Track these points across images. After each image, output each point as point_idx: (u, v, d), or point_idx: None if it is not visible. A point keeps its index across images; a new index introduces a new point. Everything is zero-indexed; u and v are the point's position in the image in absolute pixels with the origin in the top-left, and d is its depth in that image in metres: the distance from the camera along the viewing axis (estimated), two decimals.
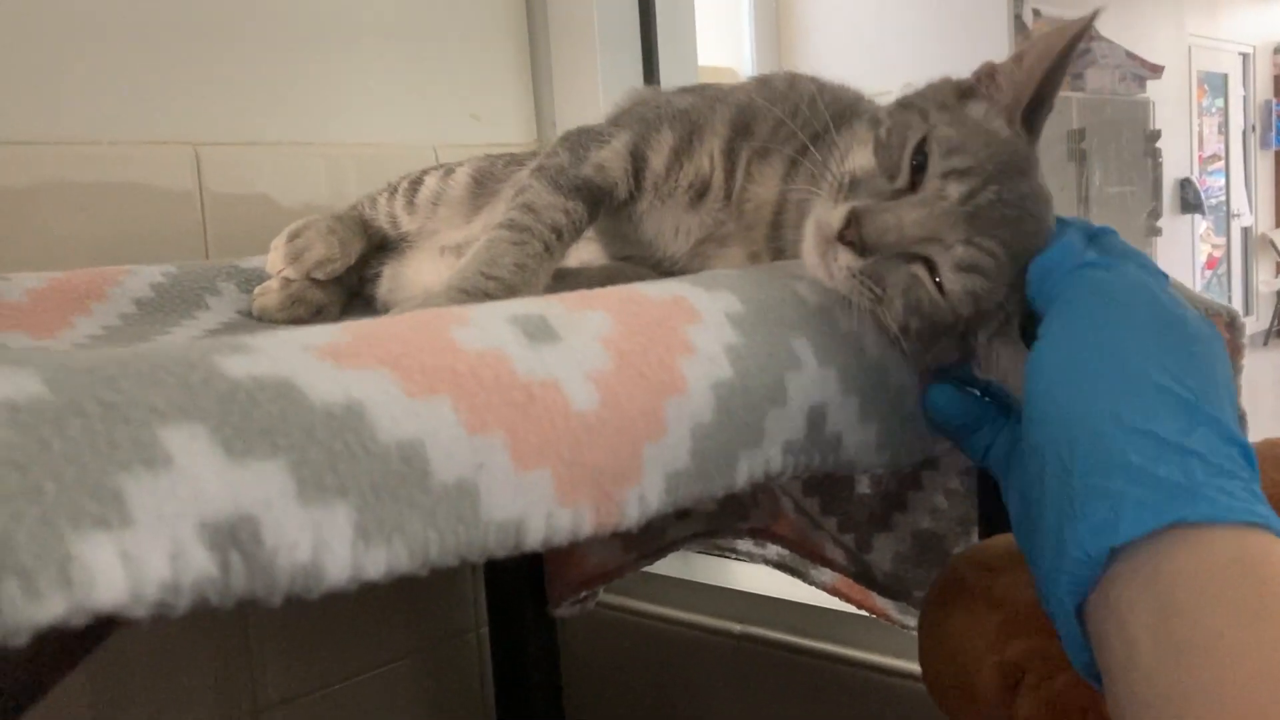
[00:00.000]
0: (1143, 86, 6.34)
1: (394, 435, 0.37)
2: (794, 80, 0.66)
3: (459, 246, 0.85)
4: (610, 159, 0.66)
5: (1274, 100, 7.76)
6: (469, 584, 1.29)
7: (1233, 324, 0.79)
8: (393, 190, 0.93)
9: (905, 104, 0.61)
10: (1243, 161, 7.62)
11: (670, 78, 1.33)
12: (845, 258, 0.55)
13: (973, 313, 0.56)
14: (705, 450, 0.48)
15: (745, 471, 0.50)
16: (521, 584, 1.18)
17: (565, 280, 0.65)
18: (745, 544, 1.18)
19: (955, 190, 0.54)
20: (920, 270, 0.55)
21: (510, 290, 0.61)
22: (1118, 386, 0.47)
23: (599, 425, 0.44)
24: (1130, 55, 6.21)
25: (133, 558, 0.28)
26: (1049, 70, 0.56)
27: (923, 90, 0.62)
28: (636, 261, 0.70)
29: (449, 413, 0.39)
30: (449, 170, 0.89)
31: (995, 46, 4.90)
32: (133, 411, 0.31)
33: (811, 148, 0.61)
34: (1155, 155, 6.32)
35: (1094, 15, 0.55)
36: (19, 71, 0.95)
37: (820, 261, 0.57)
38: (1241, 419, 0.84)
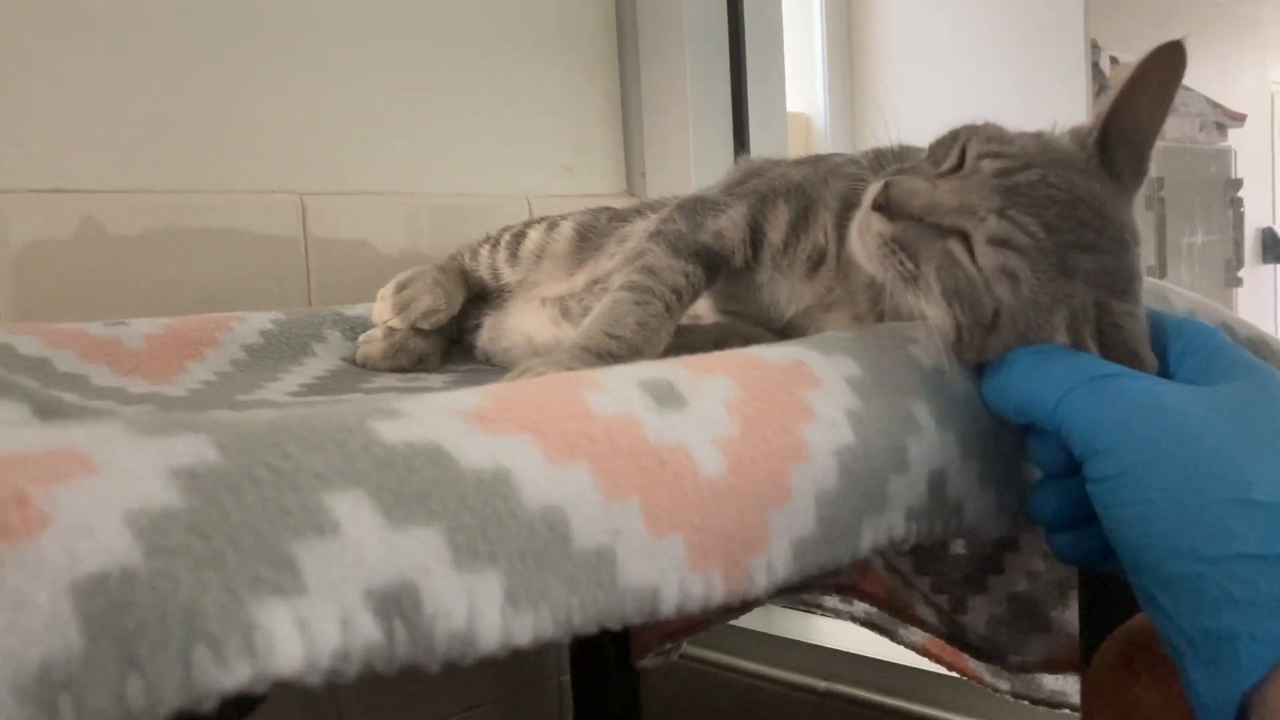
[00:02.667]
0: (1224, 135, 6.24)
1: (538, 501, 0.37)
2: (905, 150, 0.67)
3: (561, 298, 0.86)
4: (728, 227, 0.67)
5: None
6: None
7: None
8: (494, 242, 0.94)
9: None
10: None
11: (759, 130, 1.34)
12: (877, 223, 0.55)
13: (1012, 300, 0.53)
14: (830, 517, 0.48)
15: (870, 539, 0.50)
16: (605, 634, 1.18)
17: (680, 335, 0.66)
18: (832, 600, 1.17)
19: (990, 166, 0.54)
20: (956, 245, 0.54)
21: (633, 349, 0.61)
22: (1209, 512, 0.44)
23: (727, 491, 0.44)
24: (1211, 103, 6.13)
25: (308, 625, 0.29)
26: (1125, 93, 0.54)
27: None
28: (745, 319, 0.70)
29: (587, 479, 0.39)
30: (553, 224, 0.91)
31: (1071, 90, 4.86)
32: (300, 478, 0.32)
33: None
34: (1237, 204, 6.20)
35: (1181, 42, 0.53)
36: (136, 123, 0.98)
37: (859, 239, 0.57)
38: None
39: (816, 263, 0.66)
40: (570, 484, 0.38)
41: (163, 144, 1.01)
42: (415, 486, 0.34)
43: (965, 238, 0.54)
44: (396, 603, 0.32)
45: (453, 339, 0.97)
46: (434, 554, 0.33)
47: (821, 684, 1.19)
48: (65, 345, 0.78)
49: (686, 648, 1.24)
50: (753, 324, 0.70)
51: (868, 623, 1.14)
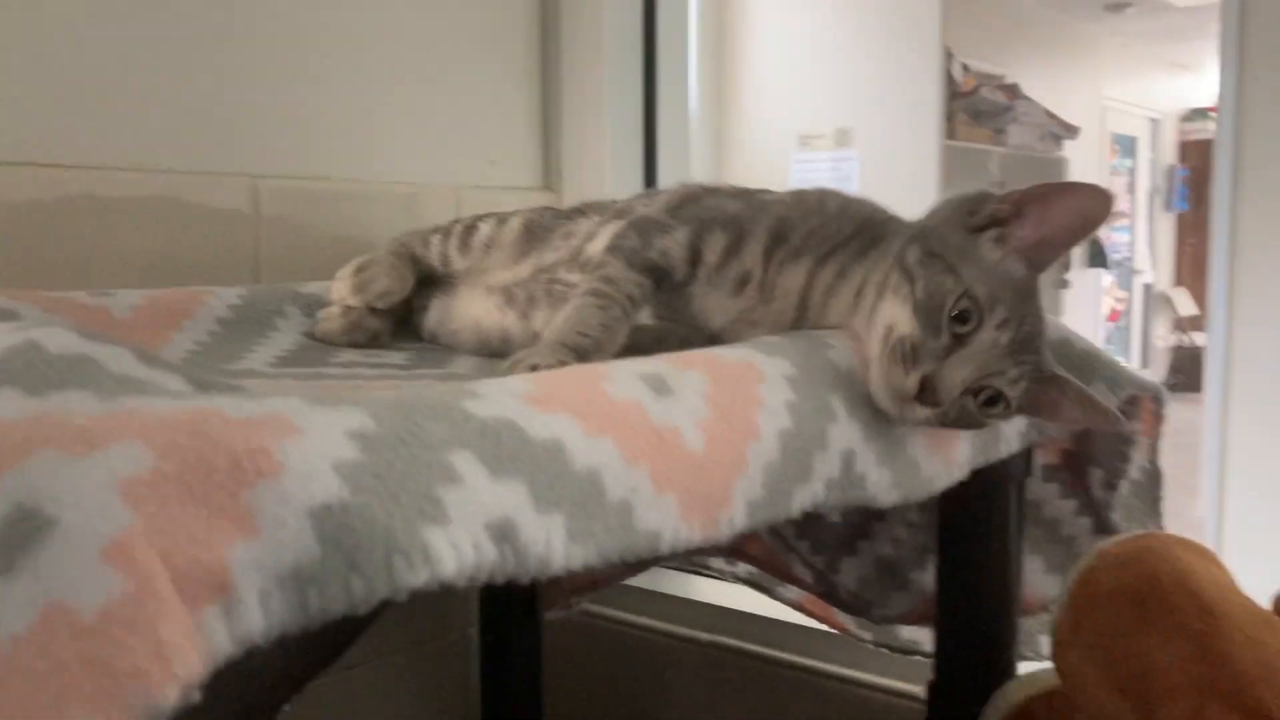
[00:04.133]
0: (1060, 145, 6.68)
1: (584, 464, 0.50)
2: (824, 196, 0.81)
3: (506, 287, 0.97)
4: (673, 248, 0.80)
5: (1178, 165, 8.20)
6: None
7: (1158, 398, 0.95)
8: (446, 232, 1.04)
9: (926, 249, 0.72)
10: (1147, 221, 8.04)
11: (667, 132, 1.48)
12: (923, 413, 0.69)
13: (1019, 402, 0.71)
14: (773, 484, 0.61)
15: (798, 502, 0.63)
16: (513, 587, 1.30)
17: (631, 334, 0.79)
18: (718, 561, 1.32)
19: (1005, 337, 0.69)
20: (969, 401, 0.69)
21: (599, 346, 0.74)
22: None
23: (705, 462, 0.57)
24: (1050, 114, 6.55)
25: (457, 545, 0.41)
26: (1076, 241, 0.71)
27: (939, 232, 0.74)
28: (680, 324, 0.83)
29: (614, 449, 0.52)
30: (502, 219, 1.02)
31: (926, 92, 5.14)
32: (431, 441, 0.44)
33: (839, 251, 0.76)
34: None
35: (1109, 203, 0.69)
36: (109, 101, 1.05)
37: (896, 410, 0.69)
38: (1159, 479, 1.00)
39: (743, 283, 0.80)
40: (602, 452, 0.51)
41: (134, 123, 1.07)
42: (504, 450, 0.46)
43: (981, 390, 0.69)
44: (504, 533, 0.44)
45: (401, 318, 1.06)
46: (523, 500, 0.45)
47: (705, 636, 1.34)
48: (61, 312, 0.86)
49: (586, 604, 1.37)
50: (690, 329, 0.83)
51: (749, 581, 1.29)
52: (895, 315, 0.70)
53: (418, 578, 0.39)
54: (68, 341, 0.45)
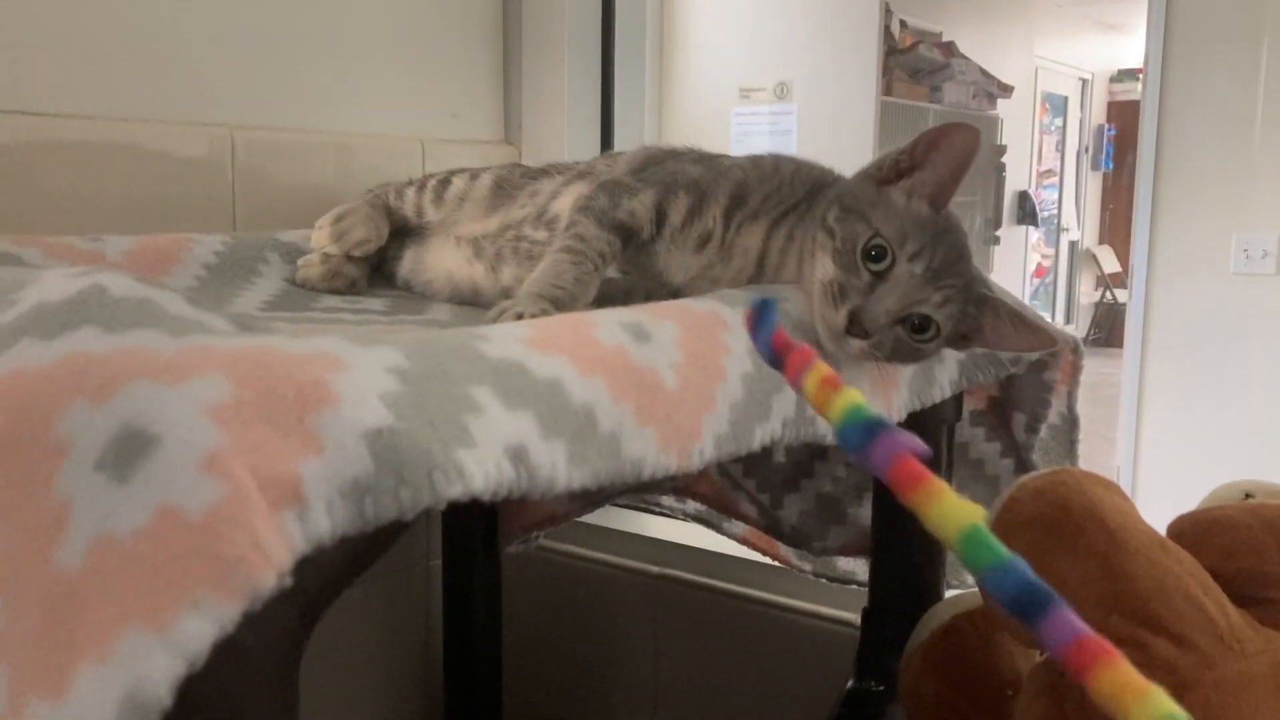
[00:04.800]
0: (994, 104, 6.82)
1: (580, 399, 0.57)
2: (778, 161, 0.89)
3: (475, 239, 1.03)
4: (639, 209, 0.87)
5: (1107, 125, 8.40)
6: (423, 520, 1.47)
7: (1076, 349, 1.05)
8: (421, 185, 1.10)
9: (843, 207, 0.81)
10: (1075, 180, 8.25)
11: (623, 89, 1.54)
12: (856, 345, 0.77)
13: (950, 332, 0.79)
14: (737, 421, 0.69)
15: (759, 437, 0.71)
16: (475, 522, 1.37)
17: (600, 287, 0.85)
18: (669, 499, 1.40)
19: (919, 266, 0.77)
20: (900, 330, 0.77)
21: (573, 297, 0.80)
22: None
23: (679, 401, 0.64)
24: (985, 73, 6.68)
25: (483, 465, 0.48)
26: (962, 176, 0.79)
27: (850, 190, 0.83)
28: (644, 279, 0.90)
29: (604, 387, 0.59)
30: (475, 174, 1.08)
31: (865, 47, 5.23)
32: (454, 375, 0.51)
33: (792, 213, 0.84)
34: (1001, 169, 6.83)
35: (976, 136, 0.77)
36: (84, 49, 1.08)
37: (837, 349, 0.78)
38: (1075, 423, 1.10)
39: (704, 242, 0.87)
40: (595, 390, 0.58)
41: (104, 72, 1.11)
42: (515, 385, 0.53)
43: (909, 320, 0.77)
44: (518, 456, 0.51)
45: (374, 267, 1.12)
46: (533, 429, 0.52)
47: (655, 569, 1.42)
48: (60, 256, 0.90)
49: (543, 540, 1.45)
50: (653, 284, 0.90)
51: (697, 518, 1.38)
52: (824, 266, 0.79)
53: (454, 490, 0.46)
54: (128, 285, 0.51)
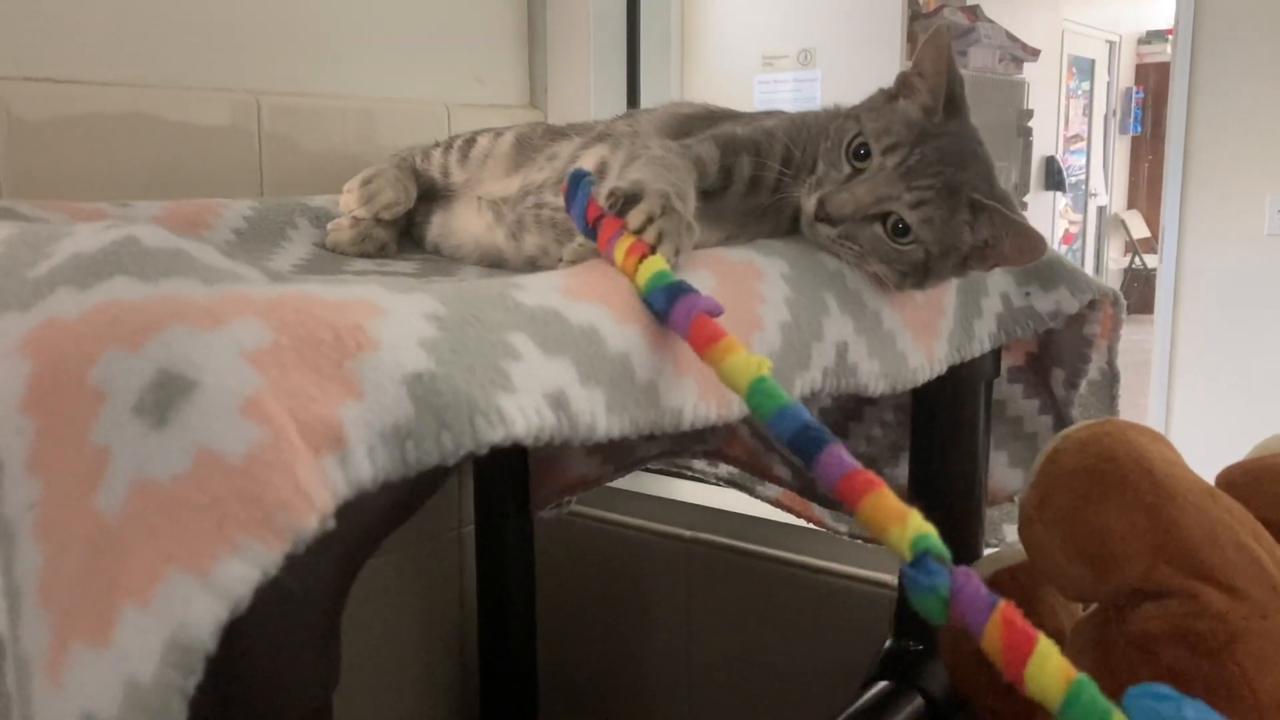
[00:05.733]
0: (1020, 68, 6.73)
1: (616, 348, 0.56)
2: (807, 117, 0.87)
3: (495, 203, 1.02)
4: (709, 159, 0.84)
5: (1135, 88, 8.28)
6: (455, 486, 1.46)
7: (1116, 302, 1.03)
8: (447, 146, 1.09)
9: (847, 114, 0.83)
10: (1103, 144, 8.14)
11: (650, 55, 1.52)
12: (824, 230, 0.78)
13: (933, 236, 0.77)
14: (777, 370, 0.67)
15: (799, 388, 0.70)
16: (506, 488, 1.37)
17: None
18: (700, 463, 1.39)
19: (891, 161, 0.76)
20: (878, 228, 0.77)
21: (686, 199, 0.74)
22: None
23: None
24: (1011, 37, 6.59)
25: (524, 410, 0.47)
26: (944, 71, 0.78)
27: (865, 103, 0.84)
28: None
29: (639, 335, 0.58)
30: (498, 133, 1.06)
31: (888, 19, 5.18)
32: (491, 322, 0.50)
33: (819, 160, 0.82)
34: (1027, 134, 6.75)
35: (944, 34, 0.78)
36: (110, 16, 1.08)
37: (808, 232, 0.79)
38: (1115, 378, 1.08)
39: (756, 191, 0.85)
40: (632, 337, 0.57)
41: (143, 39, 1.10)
42: (552, 332, 0.52)
43: (886, 216, 0.76)
44: (558, 402, 0.50)
45: (403, 231, 1.11)
46: (571, 375, 0.52)
47: (687, 533, 1.42)
48: (89, 220, 0.90)
49: (575, 506, 1.44)
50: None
51: (730, 481, 1.37)
52: (820, 166, 0.81)
53: (495, 434, 0.45)
54: (161, 236, 0.50)
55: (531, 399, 0.48)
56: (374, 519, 0.51)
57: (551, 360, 0.51)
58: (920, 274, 0.79)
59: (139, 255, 0.48)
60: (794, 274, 0.73)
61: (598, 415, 0.53)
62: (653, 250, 0.62)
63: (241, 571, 0.36)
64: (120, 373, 0.41)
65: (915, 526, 0.48)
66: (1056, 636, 0.89)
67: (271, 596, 0.38)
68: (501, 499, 1.38)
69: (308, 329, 0.43)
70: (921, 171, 0.76)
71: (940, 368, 0.85)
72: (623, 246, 0.61)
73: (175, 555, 0.36)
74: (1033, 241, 0.78)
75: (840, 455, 0.51)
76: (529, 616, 1.40)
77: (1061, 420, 1.10)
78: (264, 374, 0.40)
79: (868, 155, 0.78)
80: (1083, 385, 1.07)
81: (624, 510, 1.47)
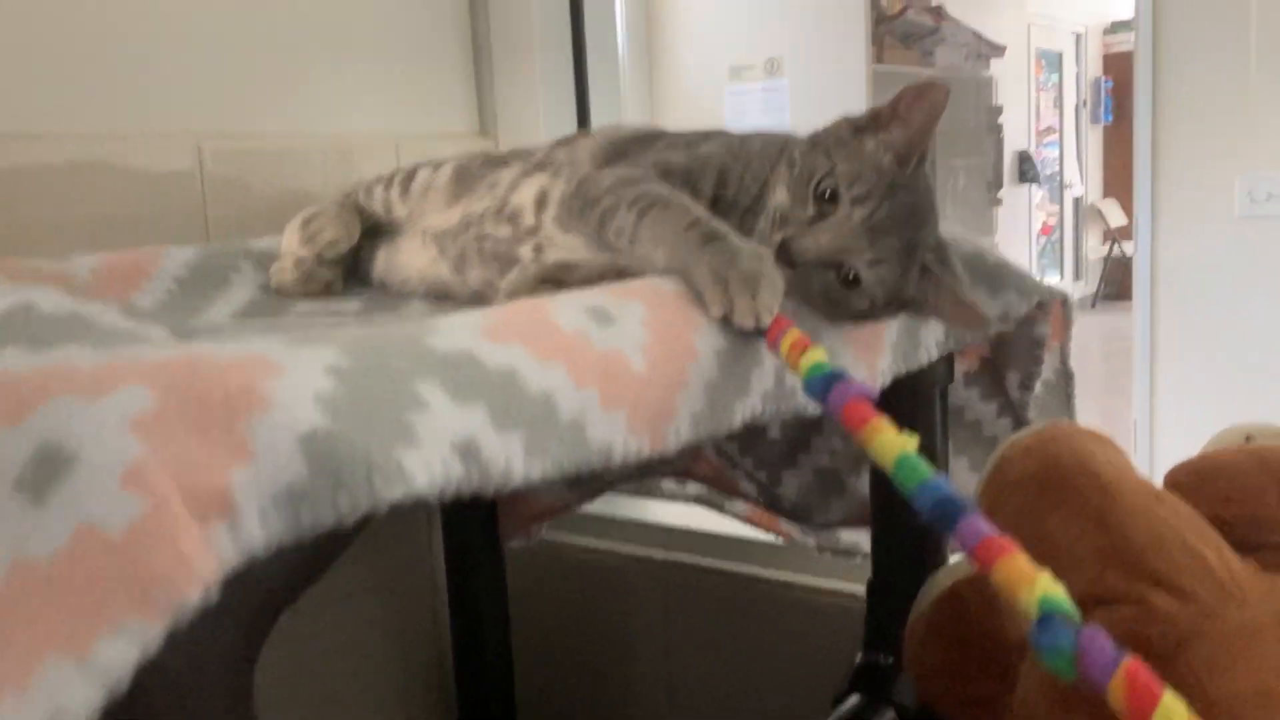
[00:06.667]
0: (987, 65, 6.76)
1: (537, 387, 0.55)
2: (746, 139, 0.86)
3: (438, 236, 1.01)
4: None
5: (1103, 78, 8.32)
6: (423, 524, 1.45)
7: (1064, 304, 1.02)
8: (388, 182, 1.08)
9: (813, 143, 0.81)
10: (1075, 135, 8.17)
11: (597, 79, 1.52)
12: (785, 273, 0.75)
13: (882, 289, 0.77)
14: (714, 399, 0.67)
15: (740, 414, 0.69)
16: (475, 519, 1.36)
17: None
18: (669, 484, 1.38)
19: (859, 213, 0.75)
20: (831, 275, 0.76)
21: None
22: None
23: (649, 382, 0.62)
24: (976, 35, 6.62)
25: (427, 463, 0.46)
26: (930, 131, 0.77)
27: (828, 129, 0.82)
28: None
29: (564, 373, 0.57)
30: (437, 165, 1.06)
31: (853, 23, 5.20)
32: (396, 372, 0.49)
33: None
34: (998, 130, 6.77)
35: (945, 94, 0.76)
36: (43, 68, 1.07)
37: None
38: (1070, 378, 1.08)
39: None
40: (554, 376, 0.56)
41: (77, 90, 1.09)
42: (464, 377, 0.52)
43: (841, 265, 0.76)
44: (468, 451, 0.49)
45: (349, 268, 1.10)
46: (483, 422, 0.51)
47: (660, 555, 1.41)
48: (26, 279, 0.89)
49: (547, 533, 1.43)
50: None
51: (699, 499, 1.36)
52: (779, 195, 0.79)
53: (394, 492, 0.44)
54: (59, 301, 0.50)
55: (437, 451, 0.47)
56: (277, 582, 0.50)
57: (461, 408, 0.50)
58: (858, 318, 0.79)
59: (32, 322, 0.47)
60: None
61: (513, 461, 0.52)
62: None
63: (120, 651, 0.35)
64: (1, 448, 0.40)
65: (1043, 588, 0.49)
66: (1019, 644, 0.89)
67: (170, 666, 0.37)
68: (470, 530, 1.37)
69: (197, 391, 0.42)
70: (887, 229, 0.76)
71: (885, 379, 0.84)
72: (787, 341, 0.65)
73: (51, 639, 0.35)
74: (974, 317, 0.80)
75: (978, 524, 0.53)
76: (505, 647, 1.39)
77: (1019, 422, 1.10)
78: (147, 442, 0.40)
79: (835, 198, 0.76)
80: (1038, 387, 1.07)
81: (596, 535, 1.46)
